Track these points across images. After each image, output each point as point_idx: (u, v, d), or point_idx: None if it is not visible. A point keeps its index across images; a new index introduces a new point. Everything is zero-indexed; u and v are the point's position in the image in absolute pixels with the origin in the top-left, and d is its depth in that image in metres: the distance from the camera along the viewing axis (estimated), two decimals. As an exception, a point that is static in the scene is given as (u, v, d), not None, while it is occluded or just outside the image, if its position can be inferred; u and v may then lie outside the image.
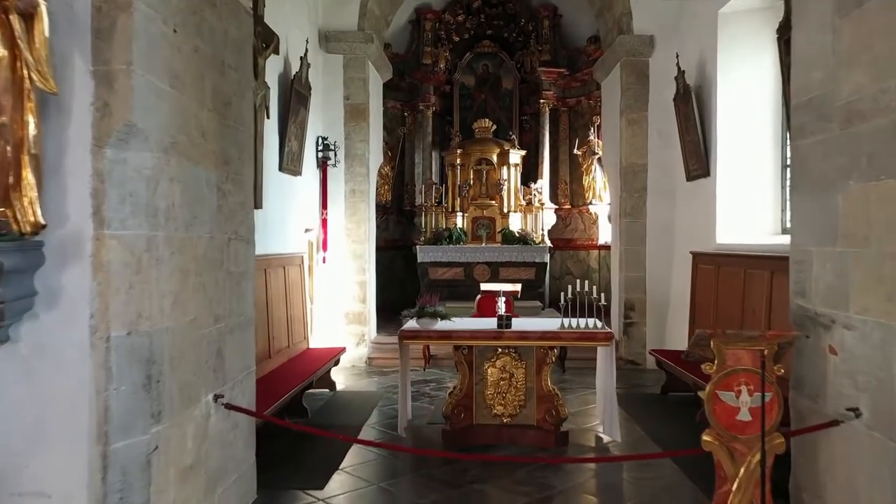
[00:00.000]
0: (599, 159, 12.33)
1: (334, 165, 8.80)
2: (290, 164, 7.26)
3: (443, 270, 11.81)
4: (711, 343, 3.31)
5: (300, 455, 5.14)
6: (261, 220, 6.26)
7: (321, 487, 4.53)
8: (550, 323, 5.75)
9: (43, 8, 2.52)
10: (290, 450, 5.23)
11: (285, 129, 7.05)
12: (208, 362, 3.51)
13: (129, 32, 2.76)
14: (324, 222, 8.72)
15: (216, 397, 3.57)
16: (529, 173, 13.21)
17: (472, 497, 4.46)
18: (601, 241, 12.79)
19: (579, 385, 7.62)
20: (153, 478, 2.93)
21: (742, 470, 3.26)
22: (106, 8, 2.74)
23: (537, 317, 9.90)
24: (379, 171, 10.60)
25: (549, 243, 12.36)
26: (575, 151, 13.29)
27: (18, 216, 2.54)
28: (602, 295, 5.46)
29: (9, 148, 2.51)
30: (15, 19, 2.47)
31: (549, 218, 12.94)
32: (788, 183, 6.89)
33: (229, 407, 3.64)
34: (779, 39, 5.66)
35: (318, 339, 8.38)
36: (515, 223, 12.53)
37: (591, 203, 13.08)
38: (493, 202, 12.68)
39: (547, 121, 13.33)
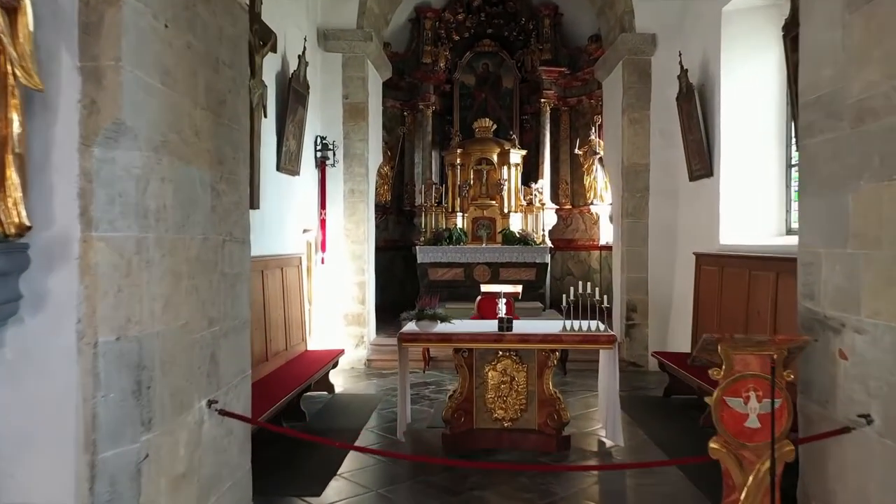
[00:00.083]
0: (600, 159, 12.25)
1: (333, 165, 8.71)
2: (287, 163, 7.17)
3: (443, 271, 11.73)
4: (719, 348, 3.21)
5: (297, 461, 5.05)
6: (258, 220, 6.18)
7: (318, 494, 4.44)
8: (552, 325, 5.66)
9: (27, 1, 2.43)
10: (287, 455, 5.13)
11: (283, 128, 6.96)
12: (201, 367, 3.41)
13: (117, 27, 2.66)
14: (322, 223, 8.63)
15: (210, 403, 3.47)
16: (530, 173, 13.12)
17: (473, 504, 4.37)
18: (602, 242, 12.72)
19: (581, 387, 7.53)
20: (143, 487, 2.83)
21: (751, 478, 3.17)
22: (93, 2, 2.64)
23: (538, 318, 9.82)
24: (378, 170, 10.51)
25: (549, 244, 12.28)
26: (576, 151, 13.22)
27: (2, 217, 2.44)
28: (605, 298, 5.36)
29: (-8, 147, 2.42)
30: (-3, 13, 2.38)
31: (549, 218, 12.85)
32: (794, 183, 6.82)
33: (223, 413, 3.55)
34: (784, 37, 5.57)
35: (317, 340, 8.28)
36: (516, 223, 12.44)
37: (592, 203, 13.00)
38: (494, 202, 12.59)
39: (548, 120, 13.25)
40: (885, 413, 3.04)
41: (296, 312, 7.32)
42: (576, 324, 5.31)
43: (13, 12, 2.41)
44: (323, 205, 8.64)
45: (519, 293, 7.67)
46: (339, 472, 4.82)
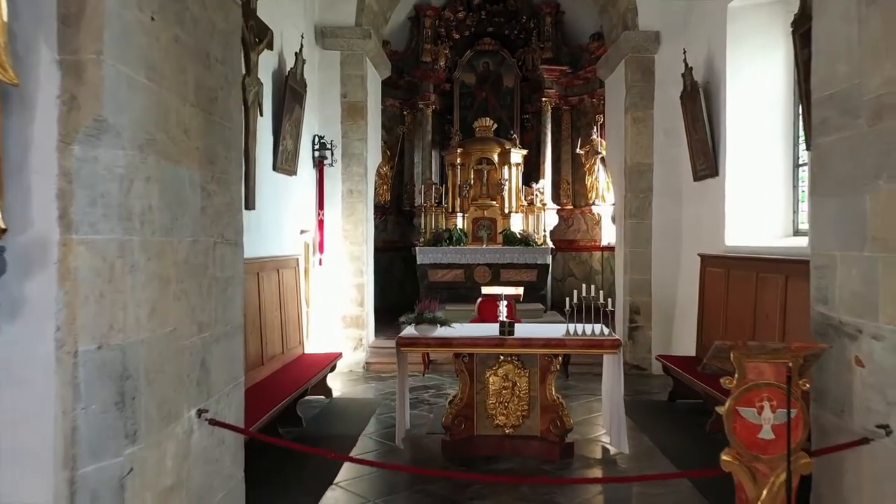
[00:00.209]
0: (602, 159, 12.13)
1: (331, 165, 8.57)
2: (284, 163, 7.03)
3: (443, 272, 11.61)
4: (731, 355, 3.07)
5: (292, 469, 4.91)
6: (254, 221, 6.05)
7: (314, 504, 4.30)
8: (554, 329, 5.52)
9: (1, -11, 2.29)
10: (282, 464, 5.00)
11: (279, 127, 6.82)
12: (191, 375, 3.27)
13: (99, 18, 2.52)
14: (320, 223, 8.49)
15: (200, 412, 3.34)
16: (531, 173, 12.99)
17: (473, 514, 4.24)
18: (604, 243, 12.59)
19: (583, 391, 7.39)
20: (127, 503, 2.69)
21: (765, 492, 3.03)
22: (74, -9, 2.50)
23: (539, 320, 9.69)
24: (377, 170, 10.37)
25: (550, 244, 12.15)
26: (577, 151, 13.09)
27: (-24, 220, 2.31)
28: (609, 301, 5.22)
29: (-36, 145, 2.28)
30: (-31, 2, 2.24)
31: (550, 219, 12.72)
32: (801, 183, 6.68)
33: (214, 423, 3.41)
34: (793, 32, 5.43)
35: (314, 343, 8.14)
36: (517, 224, 12.31)
37: (593, 203, 12.89)
38: (494, 202, 12.46)
39: (549, 119, 13.12)
40: (905, 424, 2.91)
41: (293, 315, 7.18)
42: (579, 327, 5.17)
43: (-14, 2, 2.27)
44: (321, 205, 8.50)
45: (520, 295, 7.53)
46: (335, 482, 4.68)
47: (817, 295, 3.61)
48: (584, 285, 5.30)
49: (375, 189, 10.73)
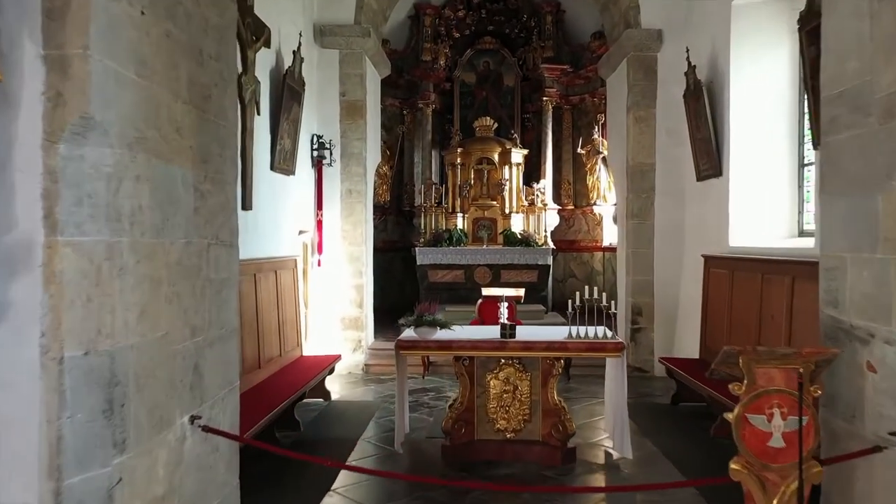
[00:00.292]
0: (604, 158, 12.04)
1: (330, 165, 8.47)
2: (282, 162, 6.93)
3: (443, 273, 11.53)
4: (740, 360, 2.98)
5: (289, 475, 4.82)
6: (251, 221, 5.96)
7: (311, 511, 4.21)
8: (556, 332, 5.42)
9: (-18, -19, 2.20)
10: (279, 469, 4.90)
11: (277, 126, 6.72)
12: (183, 380, 3.18)
13: (85, 12, 2.43)
14: (319, 224, 8.39)
15: (193, 419, 3.24)
16: (532, 173, 12.90)
17: (474, 521, 4.14)
18: (605, 243, 12.50)
19: (585, 394, 7.29)
20: (116, 513, 2.60)
21: (775, 502, 2.93)
22: (60, -16, 2.41)
23: (540, 321, 9.60)
24: (377, 170, 10.27)
25: (551, 245, 12.06)
26: (578, 150, 13.01)
27: (-44, 221, 2.22)
28: (612, 303, 5.13)
29: (-56, 143, 2.19)
30: (-51, -6, 2.15)
31: (551, 219, 12.64)
32: (807, 183, 6.58)
33: (207, 430, 3.31)
34: (800, 30, 5.33)
35: (313, 345, 8.04)
36: (517, 224, 12.22)
37: (594, 204, 12.80)
38: (495, 203, 12.37)
39: (550, 119, 13.03)
40: (921, 431, 2.82)
41: (290, 317, 7.09)
42: (581, 330, 5.08)
43: (-34, -6, 2.18)
44: (319, 205, 8.40)
45: (521, 297, 7.43)
46: (332, 488, 4.58)
47: (827, 297, 3.51)
48: (585, 286, 5.20)
49: (375, 189, 10.64)
